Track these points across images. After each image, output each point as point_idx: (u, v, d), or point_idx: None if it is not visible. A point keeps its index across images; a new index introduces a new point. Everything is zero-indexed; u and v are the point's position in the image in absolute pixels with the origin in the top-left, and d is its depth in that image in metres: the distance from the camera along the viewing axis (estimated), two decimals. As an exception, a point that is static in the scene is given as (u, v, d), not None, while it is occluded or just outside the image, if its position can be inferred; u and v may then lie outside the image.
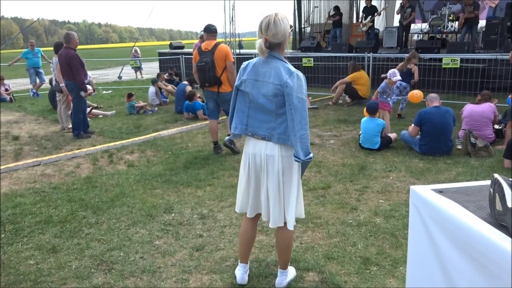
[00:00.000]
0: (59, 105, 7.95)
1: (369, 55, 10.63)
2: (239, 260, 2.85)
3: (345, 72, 10.40)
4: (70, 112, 7.56)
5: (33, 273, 3.01)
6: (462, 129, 5.88)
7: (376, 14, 13.67)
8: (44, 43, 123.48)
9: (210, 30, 5.74)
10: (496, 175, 1.37)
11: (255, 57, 2.59)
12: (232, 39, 12.80)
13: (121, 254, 3.26)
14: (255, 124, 2.53)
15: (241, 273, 2.81)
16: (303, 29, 16.93)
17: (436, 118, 5.51)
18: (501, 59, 9.24)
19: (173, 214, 3.96)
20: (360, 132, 6.11)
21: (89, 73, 9.68)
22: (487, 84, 9.16)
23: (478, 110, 5.84)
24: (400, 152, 5.77)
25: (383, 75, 7.14)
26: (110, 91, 13.55)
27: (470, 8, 11.22)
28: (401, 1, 13.02)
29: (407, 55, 8.39)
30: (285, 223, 2.59)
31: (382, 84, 6.58)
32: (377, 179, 4.79)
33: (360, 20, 15.19)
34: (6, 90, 12.28)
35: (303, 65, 11.92)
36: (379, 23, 16.98)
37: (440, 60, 9.94)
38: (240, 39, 14.70)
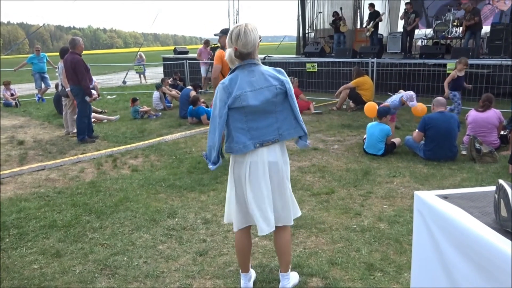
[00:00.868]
0: (64, 109, 7.99)
1: (373, 60, 10.63)
2: (240, 270, 2.84)
3: (349, 77, 10.41)
4: (76, 116, 7.59)
5: (37, 277, 3.02)
6: (467, 135, 5.86)
7: (376, 20, 13.75)
8: (50, 48, 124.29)
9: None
10: (501, 181, 1.37)
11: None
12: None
13: (125, 258, 3.26)
14: (259, 133, 2.49)
15: (244, 282, 2.80)
16: (307, 34, 16.97)
17: (440, 123, 5.49)
18: (505, 64, 9.23)
19: (176, 219, 3.96)
20: (365, 137, 6.10)
21: (94, 78, 9.73)
22: (491, 90, 9.12)
23: (483, 116, 5.81)
24: (404, 158, 5.75)
25: (401, 92, 6.97)
26: (114, 96, 13.62)
27: (469, 15, 11.22)
28: (405, 7, 13.06)
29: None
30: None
31: (396, 103, 6.58)
32: (381, 184, 4.78)
33: (365, 26, 15.27)
34: (12, 95, 12.38)
35: (307, 70, 11.94)
36: (383, 28, 17.01)
37: (445, 65, 9.93)
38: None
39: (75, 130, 7.60)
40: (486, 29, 12.83)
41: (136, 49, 29.28)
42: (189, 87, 9.81)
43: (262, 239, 3.44)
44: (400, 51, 13.90)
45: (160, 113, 9.86)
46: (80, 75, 6.89)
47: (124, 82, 17.67)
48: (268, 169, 2.52)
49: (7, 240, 3.62)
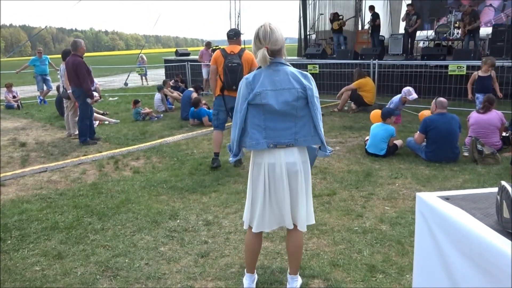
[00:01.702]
0: (66, 111, 8.01)
1: (374, 62, 10.63)
2: (245, 270, 2.84)
3: (350, 79, 10.41)
4: (77, 118, 7.61)
5: (38, 279, 3.02)
6: (469, 136, 5.85)
7: (370, 23, 13.84)
8: (52, 50, 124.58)
9: (229, 36, 5.52)
10: (503, 183, 1.36)
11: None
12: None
13: (126, 260, 3.26)
14: (275, 134, 2.47)
15: (248, 282, 2.80)
16: (308, 36, 16.98)
17: (441, 125, 5.48)
18: (507, 66, 9.20)
19: (178, 221, 3.96)
20: (367, 138, 6.10)
21: (95, 80, 9.76)
22: (493, 91, 9.11)
23: (485, 118, 5.80)
24: (406, 159, 5.74)
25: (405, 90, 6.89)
26: (116, 98, 13.63)
27: (467, 19, 11.19)
28: (406, 8, 13.06)
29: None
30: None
31: (396, 101, 6.59)
32: (383, 186, 4.77)
33: (366, 27, 15.31)
34: (14, 97, 12.40)
35: (309, 72, 11.84)
36: (385, 30, 17.01)
37: (446, 67, 9.91)
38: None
39: (76, 132, 7.61)
40: (487, 30, 12.81)
41: (137, 51, 29.33)
42: (191, 89, 9.81)
43: (264, 241, 3.43)
44: (401, 52, 13.90)
45: (161, 115, 9.87)
46: (81, 77, 6.90)
47: (125, 84, 17.69)
48: (286, 171, 2.49)
49: (9, 242, 3.63)
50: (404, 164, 5.56)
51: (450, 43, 13.71)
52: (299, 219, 2.60)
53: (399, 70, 10.89)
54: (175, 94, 11.05)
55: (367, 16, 16.13)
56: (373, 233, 3.57)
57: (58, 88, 9.57)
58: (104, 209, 4.27)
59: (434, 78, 10.29)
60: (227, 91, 5.35)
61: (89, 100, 7.13)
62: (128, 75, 18.59)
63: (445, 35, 13.52)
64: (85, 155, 6.49)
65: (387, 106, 6.79)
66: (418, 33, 13.65)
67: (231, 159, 2.63)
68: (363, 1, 17.70)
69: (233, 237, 3.60)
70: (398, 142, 6.03)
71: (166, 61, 17.21)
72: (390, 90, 10.40)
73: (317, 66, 11.90)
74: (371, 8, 14.17)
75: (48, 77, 12.96)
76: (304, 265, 3.07)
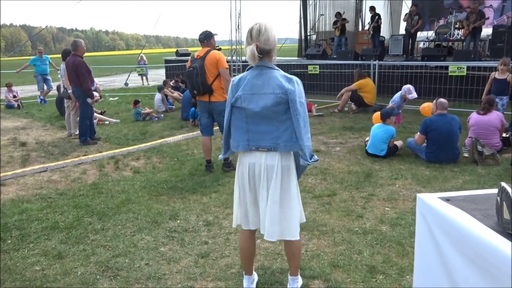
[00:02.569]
0: (67, 111, 8.01)
1: (374, 62, 10.63)
2: (244, 272, 2.85)
3: (350, 79, 10.41)
4: (78, 118, 7.61)
5: (38, 279, 3.02)
6: (469, 137, 5.85)
7: (372, 24, 13.83)
8: (52, 50, 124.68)
9: (199, 39, 5.35)
10: (503, 184, 1.36)
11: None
12: (238, 47, 12.86)
13: (126, 260, 3.26)
14: (257, 137, 2.47)
15: (247, 283, 2.81)
16: (308, 37, 16.99)
17: (442, 126, 5.48)
18: (507, 67, 9.19)
19: (178, 221, 3.97)
20: (367, 139, 6.10)
21: (96, 80, 9.76)
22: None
23: (485, 119, 5.80)
24: (406, 160, 5.74)
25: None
26: (116, 98, 13.64)
27: (473, 17, 11.18)
28: (409, 8, 13.06)
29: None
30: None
31: (397, 99, 6.59)
32: (383, 186, 4.77)
33: (366, 28, 15.31)
34: (14, 96, 12.40)
35: (309, 72, 11.94)
36: (385, 30, 17.01)
37: (447, 68, 9.92)
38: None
39: (77, 132, 7.61)
40: (488, 31, 12.81)
41: (138, 51, 29.34)
42: (191, 89, 9.81)
43: (264, 241, 3.43)
44: (402, 53, 13.91)
45: (162, 115, 9.88)
46: (81, 77, 6.91)
47: (126, 84, 17.70)
48: (266, 173, 2.48)
49: (9, 241, 3.63)
50: (405, 165, 5.56)
51: (450, 44, 13.71)
52: (266, 227, 2.49)
53: (399, 71, 10.90)
54: (176, 94, 11.06)
55: (367, 17, 16.14)
56: (373, 234, 3.57)
57: (58, 87, 9.57)
58: (104, 209, 4.27)
59: (434, 79, 10.30)
60: (196, 96, 5.28)
61: (89, 100, 7.13)
62: (129, 75, 18.60)
63: (445, 35, 13.53)
64: (85, 155, 6.49)
65: (389, 105, 6.79)
66: (418, 34, 13.65)
67: (220, 156, 2.74)
68: (364, 2, 17.71)
69: (233, 237, 3.60)
70: (398, 143, 6.03)
71: (166, 61, 17.23)
72: (391, 90, 10.40)
73: (318, 66, 11.91)
74: (372, 8, 14.16)
75: (49, 77, 12.97)
76: (304, 265, 3.07)
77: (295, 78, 2.45)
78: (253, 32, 2.41)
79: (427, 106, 6.61)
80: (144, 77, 18.71)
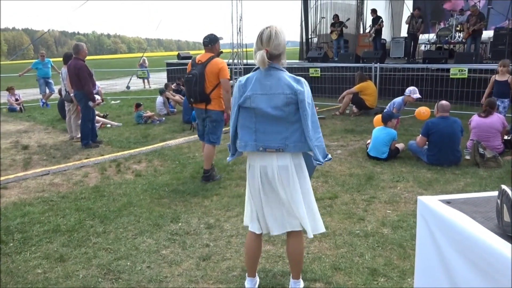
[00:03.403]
0: (68, 114, 8.03)
1: (376, 65, 10.64)
2: (247, 274, 2.85)
3: (352, 82, 10.42)
4: (80, 121, 7.63)
5: (40, 282, 3.03)
6: (471, 140, 5.84)
7: (375, 26, 13.83)
8: (54, 53, 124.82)
9: (203, 43, 5.07)
10: (503, 186, 1.37)
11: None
12: (239, 50, 12.89)
13: (128, 263, 3.26)
14: (266, 137, 2.47)
15: (249, 286, 2.81)
16: (310, 40, 17.01)
17: (443, 128, 5.48)
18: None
19: (180, 224, 3.97)
20: (368, 142, 6.10)
21: (97, 83, 9.79)
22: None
23: (486, 121, 5.80)
24: (407, 162, 5.74)
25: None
26: (118, 101, 13.66)
27: (473, 20, 11.19)
28: (412, 11, 13.07)
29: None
30: (305, 230, 2.62)
31: (399, 101, 6.59)
32: (384, 189, 4.77)
33: (368, 31, 15.33)
34: (16, 100, 12.45)
35: (310, 75, 11.96)
36: (386, 33, 17.03)
37: (448, 70, 9.92)
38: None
39: (79, 135, 7.63)
40: (489, 33, 12.82)
41: (139, 54, 29.43)
42: (193, 92, 9.82)
43: (265, 244, 3.44)
44: (403, 56, 13.91)
45: (163, 118, 9.89)
46: (83, 80, 6.93)
47: (127, 87, 17.74)
48: (278, 174, 2.49)
49: (11, 244, 3.64)
50: (406, 167, 5.55)
51: (451, 46, 13.72)
52: (303, 222, 2.57)
53: (400, 74, 10.90)
54: (177, 97, 11.08)
55: (369, 19, 16.15)
56: (375, 237, 3.57)
57: (60, 91, 9.60)
58: (106, 212, 4.27)
59: (435, 81, 10.30)
60: (190, 102, 5.11)
61: (91, 103, 7.15)
62: (130, 78, 18.66)
63: (446, 38, 13.53)
64: (87, 158, 6.51)
65: (388, 108, 6.79)
66: (420, 36, 13.67)
67: (228, 158, 2.73)
68: (365, 5, 17.73)
69: (234, 240, 3.60)
70: (400, 145, 6.03)
71: (168, 64, 17.27)
72: (392, 93, 10.41)
73: (319, 69, 11.93)
74: (374, 11, 14.17)
75: (51, 80, 13.02)
76: (305, 268, 3.07)
77: (302, 79, 2.48)
78: (263, 37, 2.42)
79: (423, 110, 6.59)
80: (146, 80, 18.75)
